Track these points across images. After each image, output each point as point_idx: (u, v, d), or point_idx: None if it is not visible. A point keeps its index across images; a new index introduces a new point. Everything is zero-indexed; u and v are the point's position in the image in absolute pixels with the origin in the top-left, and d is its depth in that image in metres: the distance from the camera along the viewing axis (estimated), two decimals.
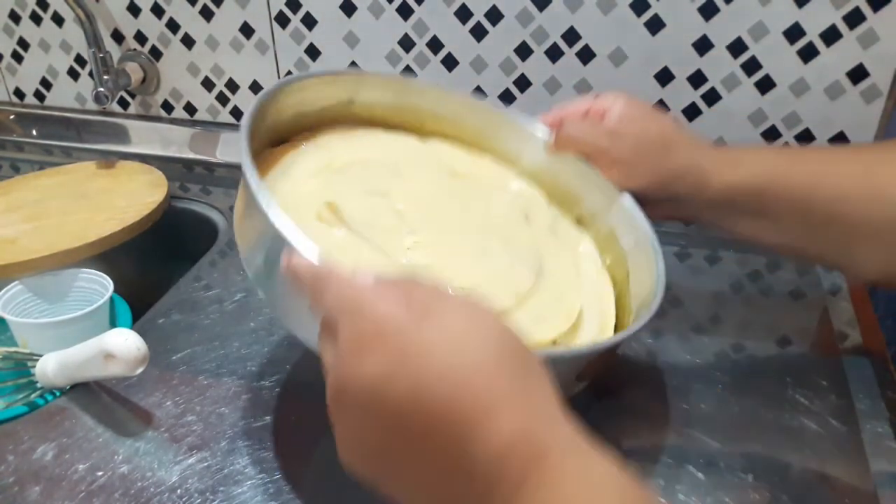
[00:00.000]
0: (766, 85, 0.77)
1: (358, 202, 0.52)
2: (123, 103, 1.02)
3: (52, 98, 1.06)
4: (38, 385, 0.58)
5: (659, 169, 0.55)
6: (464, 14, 0.82)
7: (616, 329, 0.53)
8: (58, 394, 0.58)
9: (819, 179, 0.52)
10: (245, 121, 0.48)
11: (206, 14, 0.92)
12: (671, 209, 0.57)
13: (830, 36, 0.73)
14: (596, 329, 0.52)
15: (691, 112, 0.80)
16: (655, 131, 0.55)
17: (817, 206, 0.52)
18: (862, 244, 0.52)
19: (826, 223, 0.52)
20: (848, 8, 0.71)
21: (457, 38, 0.84)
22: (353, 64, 0.89)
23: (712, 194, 0.54)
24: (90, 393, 0.58)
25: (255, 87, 0.95)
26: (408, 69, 0.87)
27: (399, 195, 0.54)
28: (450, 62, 0.85)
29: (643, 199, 0.56)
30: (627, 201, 0.56)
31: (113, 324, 0.68)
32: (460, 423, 0.29)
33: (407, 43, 0.86)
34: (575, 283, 0.55)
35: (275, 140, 0.57)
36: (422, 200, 0.55)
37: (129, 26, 0.96)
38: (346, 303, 0.32)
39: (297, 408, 0.56)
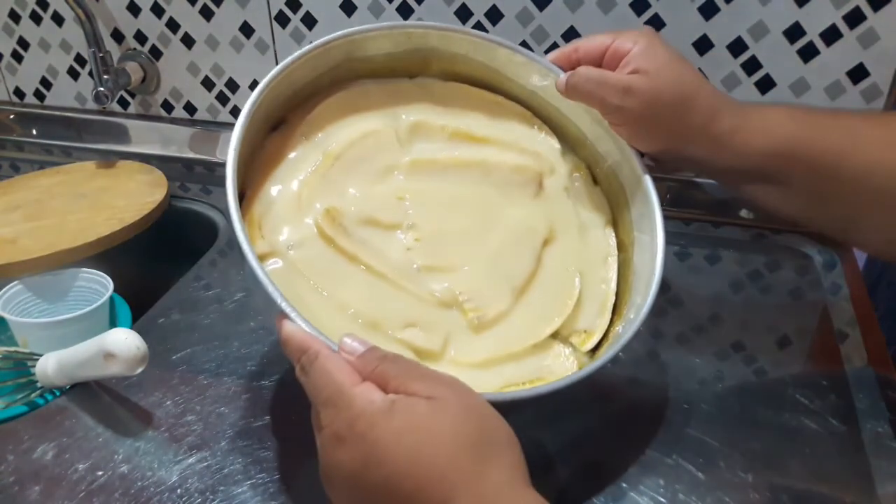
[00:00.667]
0: (766, 85, 0.77)
1: (358, 196, 0.51)
2: (123, 103, 1.02)
3: (52, 98, 1.06)
4: (38, 385, 0.58)
5: (672, 132, 0.51)
6: (464, 14, 0.82)
7: (616, 305, 0.54)
8: (58, 393, 0.58)
9: (845, 148, 0.49)
10: (230, 163, 0.46)
11: (206, 14, 0.92)
12: (686, 167, 0.55)
13: (830, 35, 0.73)
14: (596, 309, 0.53)
15: None
16: (671, 91, 0.50)
17: (843, 175, 0.49)
18: (877, 214, 0.50)
19: (849, 193, 0.50)
20: (848, 7, 0.71)
21: None
22: None
23: (731, 158, 0.51)
24: (90, 392, 0.58)
25: (255, 87, 0.94)
26: None
27: (401, 177, 0.53)
28: None
29: (656, 158, 0.54)
30: (637, 163, 0.54)
31: (113, 323, 0.68)
32: None
33: None
34: (579, 258, 0.54)
35: (274, 121, 0.54)
36: (424, 180, 0.54)
37: (129, 26, 0.96)
38: (325, 395, 0.37)
39: (297, 407, 0.56)
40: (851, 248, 0.75)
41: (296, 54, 0.51)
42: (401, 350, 0.47)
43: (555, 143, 0.59)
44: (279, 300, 0.41)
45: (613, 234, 0.57)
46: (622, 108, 0.51)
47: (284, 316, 0.41)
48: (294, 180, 0.52)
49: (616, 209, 0.58)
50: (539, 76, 0.57)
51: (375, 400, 0.36)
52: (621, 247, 0.56)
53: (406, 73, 0.59)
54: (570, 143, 0.60)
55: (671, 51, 0.52)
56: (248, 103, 0.48)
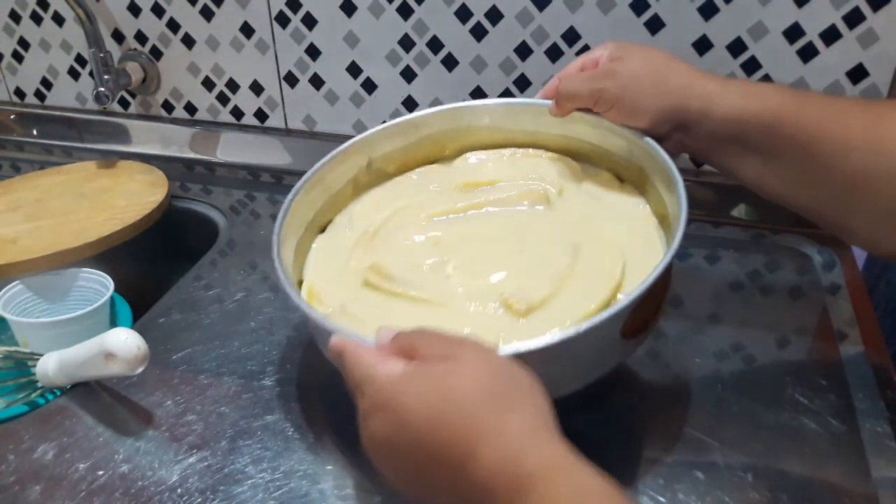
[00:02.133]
0: None
1: (397, 253, 0.57)
2: (124, 103, 1.02)
3: (52, 98, 1.06)
4: (39, 384, 0.58)
5: (660, 98, 0.54)
6: (464, 14, 0.82)
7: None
8: (58, 393, 0.58)
9: (827, 124, 0.51)
10: (275, 236, 0.54)
11: (207, 14, 0.92)
12: (682, 141, 0.56)
13: (830, 36, 0.73)
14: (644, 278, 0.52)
15: None
16: (647, 63, 0.55)
17: (824, 151, 0.50)
18: (859, 201, 0.51)
19: (825, 169, 0.51)
20: (848, 8, 0.71)
21: (457, 38, 0.84)
22: (354, 64, 0.89)
23: (719, 122, 0.53)
24: (91, 392, 0.58)
25: (256, 87, 0.95)
26: (408, 69, 0.87)
27: (432, 227, 0.60)
28: (450, 62, 0.85)
29: (656, 135, 0.56)
30: (645, 139, 0.56)
31: (113, 323, 0.68)
32: (454, 461, 0.35)
33: (407, 43, 0.86)
34: (617, 238, 0.55)
35: (321, 225, 0.63)
36: (450, 225, 0.60)
37: (129, 26, 0.96)
38: (355, 379, 0.40)
39: (298, 407, 0.57)
40: (850, 247, 0.75)
41: (320, 162, 0.61)
42: None
43: (566, 164, 0.64)
44: (321, 321, 0.46)
45: (651, 212, 0.58)
46: (607, 89, 0.55)
47: (330, 336, 0.44)
48: (342, 259, 0.58)
49: (646, 192, 0.60)
50: (535, 115, 0.63)
51: (396, 371, 0.38)
52: (663, 220, 0.57)
53: (426, 161, 0.67)
54: (586, 159, 0.64)
55: (638, 44, 0.59)
56: (281, 212, 0.57)
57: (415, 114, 0.66)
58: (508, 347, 0.42)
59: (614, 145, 0.60)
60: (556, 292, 0.51)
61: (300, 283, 0.57)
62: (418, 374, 0.38)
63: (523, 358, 0.40)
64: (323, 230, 0.63)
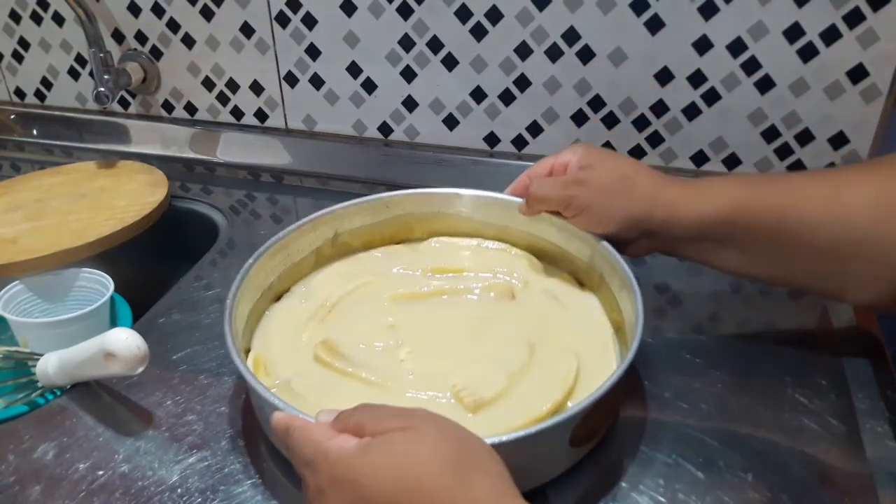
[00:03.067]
0: (765, 84, 0.77)
1: (352, 331, 0.57)
2: (124, 103, 1.02)
3: (52, 98, 1.06)
4: (39, 384, 0.58)
5: (626, 208, 0.56)
6: (464, 14, 0.82)
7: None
8: (58, 393, 0.58)
9: (785, 204, 0.52)
10: (230, 297, 0.53)
11: (207, 14, 0.92)
12: (649, 245, 0.58)
13: (830, 36, 0.73)
14: (596, 386, 0.52)
15: (691, 112, 0.80)
16: (615, 172, 0.57)
17: (790, 234, 0.52)
18: (839, 271, 0.52)
19: (795, 249, 0.52)
20: (848, 8, 0.71)
21: (457, 38, 0.84)
22: (354, 64, 0.89)
23: (684, 227, 0.55)
24: (91, 392, 0.58)
25: (256, 87, 0.95)
26: (408, 69, 0.87)
27: (391, 308, 0.59)
28: (450, 62, 0.86)
29: (621, 240, 0.57)
30: (605, 246, 0.57)
31: (113, 323, 0.68)
32: None
33: (407, 43, 0.86)
34: (573, 343, 0.55)
35: (277, 292, 0.62)
36: (410, 309, 0.59)
37: (129, 26, 0.96)
38: (305, 456, 0.39)
39: None
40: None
41: (286, 230, 0.61)
42: None
43: (530, 262, 0.65)
44: (266, 395, 0.44)
45: (607, 319, 0.59)
46: (577, 197, 0.57)
47: (273, 411, 0.43)
48: (294, 331, 0.58)
49: (604, 298, 0.60)
50: (504, 210, 0.65)
51: (350, 446, 0.37)
52: (618, 328, 0.57)
53: (392, 240, 0.68)
54: (549, 259, 0.65)
55: (607, 150, 0.62)
56: (239, 275, 0.55)
57: (386, 194, 0.67)
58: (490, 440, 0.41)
59: (577, 250, 0.62)
60: (508, 391, 0.50)
61: (247, 350, 0.56)
62: (376, 445, 0.37)
63: None
64: (278, 298, 0.62)
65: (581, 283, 0.63)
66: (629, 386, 0.58)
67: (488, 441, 0.40)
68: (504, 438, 0.41)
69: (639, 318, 0.50)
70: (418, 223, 0.68)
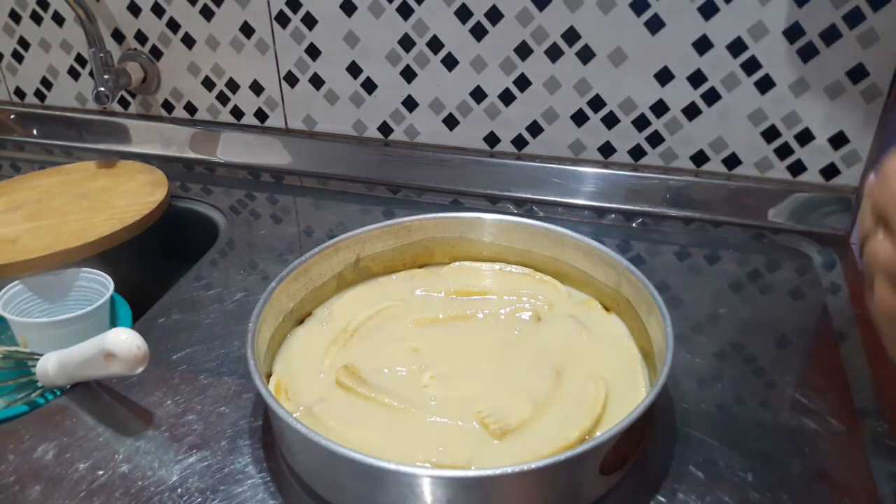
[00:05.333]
0: (765, 85, 0.77)
1: (374, 356, 0.56)
2: (124, 103, 1.02)
3: (52, 97, 1.06)
4: (39, 384, 0.58)
5: None
6: (464, 14, 0.82)
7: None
8: (58, 393, 0.58)
9: None
10: (252, 321, 0.53)
11: (207, 14, 0.92)
12: None
13: (830, 35, 0.73)
14: (625, 413, 0.51)
15: (691, 112, 0.80)
16: None
17: None
18: None
19: None
20: (848, 7, 0.71)
21: (457, 38, 0.84)
22: (354, 64, 0.89)
23: None
24: (90, 392, 0.58)
25: (256, 87, 0.95)
26: (408, 69, 0.87)
27: (415, 333, 0.59)
28: (450, 62, 0.85)
29: None
30: (632, 270, 0.57)
31: (113, 323, 0.68)
32: None
33: (407, 43, 0.86)
34: (600, 368, 0.55)
35: (300, 316, 0.62)
36: (433, 332, 0.59)
37: (129, 26, 0.96)
38: None
39: None
40: (850, 246, 0.75)
41: (308, 254, 0.61)
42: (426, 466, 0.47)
43: (554, 286, 0.65)
44: (290, 421, 0.44)
45: (634, 343, 0.58)
46: None
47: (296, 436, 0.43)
48: (316, 355, 0.57)
49: (631, 324, 0.60)
50: (528, 234, 0.65)
51: None
52: (646, 354, 0.56)
53: (414, 264, 0.68)
54: (573, 284, 0.65)
55: None
56: (261, 298, 0.55)
57: (408, 218, 0.66)
58: (480, 470, 0.41)
59: (603, 275, 0.61)
60: (535, 417, 0.50)
61: (268, 375, 0.56)
62: None
63: (493, 481, 0.39)
64: (300, 322, 0.62)
65: (606, 308, 0.62)
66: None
67: (517, 469, 0.39)
68: (533, 466, 0.41)
69: (668, 345, 0.49)
70: (440, 247, 0.68)
